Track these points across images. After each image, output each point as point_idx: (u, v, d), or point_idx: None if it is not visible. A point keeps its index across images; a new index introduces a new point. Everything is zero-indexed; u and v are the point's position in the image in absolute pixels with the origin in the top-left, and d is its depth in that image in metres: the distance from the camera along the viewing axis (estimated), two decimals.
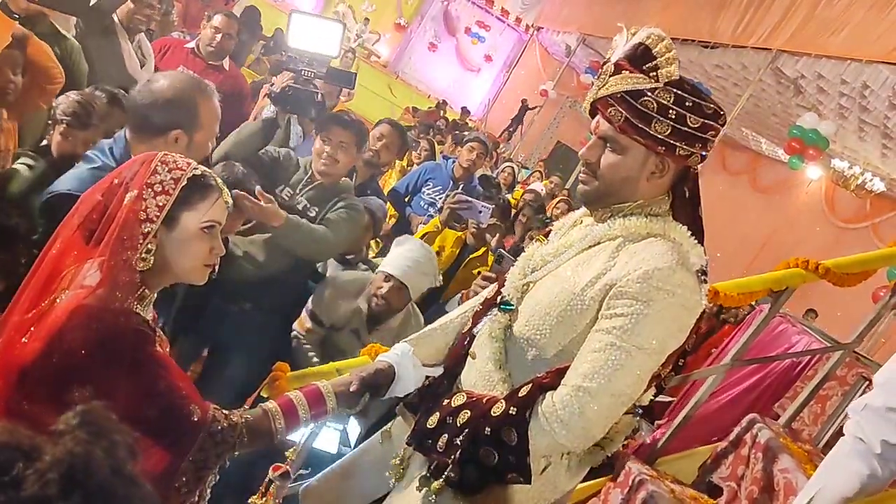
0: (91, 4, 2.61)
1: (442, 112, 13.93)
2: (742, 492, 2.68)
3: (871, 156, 9.27)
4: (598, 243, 1.67)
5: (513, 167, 7.75)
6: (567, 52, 14.10)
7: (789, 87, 8.22)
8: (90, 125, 2.56)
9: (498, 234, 4.24)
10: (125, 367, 1.51)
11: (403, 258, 3.03)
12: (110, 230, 1.54)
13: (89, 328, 1.47)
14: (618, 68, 1.60)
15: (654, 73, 1.57)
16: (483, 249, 4.07)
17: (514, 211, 5.41)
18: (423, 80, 17.76)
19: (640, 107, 1.57)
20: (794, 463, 2.56)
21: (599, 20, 11.96)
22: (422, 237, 3.92)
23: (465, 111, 15.90)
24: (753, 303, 3.40)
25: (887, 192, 10.13)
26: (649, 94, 1.57)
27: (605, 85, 1.62)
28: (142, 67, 3.57)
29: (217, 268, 1.72)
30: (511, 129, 15.56)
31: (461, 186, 4.76)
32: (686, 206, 1.71)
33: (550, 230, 1.90)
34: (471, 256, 4.05)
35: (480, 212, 3.95)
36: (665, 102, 1.56)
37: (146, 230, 1.56)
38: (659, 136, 1.58)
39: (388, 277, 2.99)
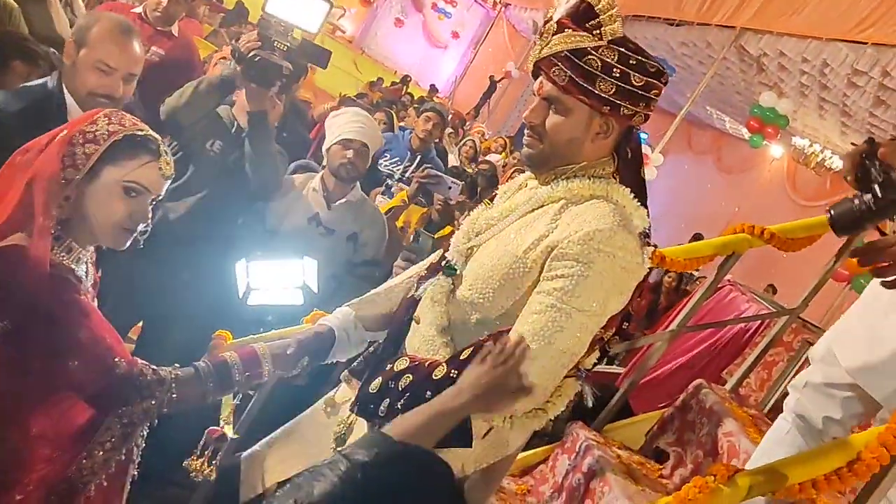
0: None
1: (405, 87, 13.83)
2: (687, 456, 2.70)
3: (831, 134, 9.38)
4: (542, 206, 1.66)
5: (474, 141, 7.72)
6: (534, 28, 14.04)
7: (752, 66, 8.28)
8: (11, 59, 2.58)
9: (466, 212, 4.18)
10: (43, 313, 1.47)
11: (351, 122, 3.04)
12: (36, 163, 1.52)
13: (3, 268, 1.45)
14: (560, 27, 1.57)
15: (598, 31, 1.55)
16: (449, 229, 4.00)
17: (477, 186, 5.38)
18: (389, 56, 17.63)
19: (584, 65, 1.54)
20: (738, 426, 2.59)
21: None
22: (387, 212, 3.87)
23: (433, 89, 15.82)
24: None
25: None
26: (593, 52, 1.54)
27: (547, 44, 1.58)
28: (72, 27, 3.48)
29: (143, 239, 1.67)
30: (479, 106, 15.50)
31: (419, 157, 4.72)
32: (629, 167, 1.70)
33: (496, 194, 1.88)
34: (437, 235, 4.01)
35: (450, 187, 3.90)
36: (609, 61, 1.54)
37: (68, 176, 1.52)
38: (603, 96, 1.56)
39: (346, 143, 3.00)
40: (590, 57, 1.54)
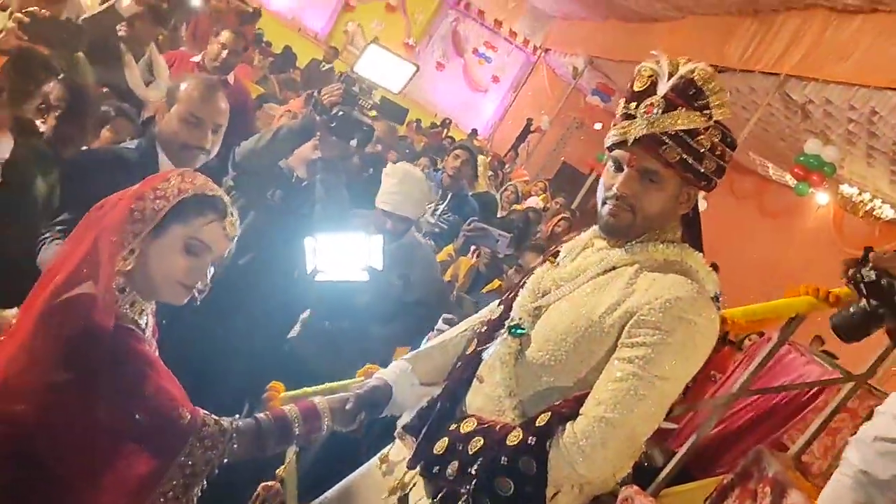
0: (80, 26, 2.67)
1: (446, 130, 13.94)
2: None
3: (880, 182, 9.22)
4: (614, 268, 1.65)
5: (516, 186, 7.75)
6: (574, 73, 14.12)
7: (797, 112, 8.19)
8: (83, 113, 2.73)
9: (515, 266, 4.13)
10: (109, 361, 1.48)
11: (393, 193, 3.07)
12: (106, 218, 1.57)
13: (71, 315, 1.46)
14: (670, 104, 1.56)
15: (708, 112, 1.55)
16: (497, 283, 3.95)
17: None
18: (430, 99, 17.78)
19: (695, 146, 1.55)
20: (803, 498, 2.49)
21: (606, 43, 11.99)
22: None
23: (473, 132, 15.92)
24: None
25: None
26: (703, 132, 1.55)
27: (658, 120, 1.56)
28: (148, 85, 3.61)
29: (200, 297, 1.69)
30: (515, 147, 15.56)
31: (449, 195, 4.73)
32: (692, 229, 1.71)
33: (558, 251, 1.86)
34: (485, 289, 3.94)
35: (497, 240, 3.87)
36: (715, 141, 1.57)
37: (136, 230, 1.55)
38: (706, 173, 1.58)
39: (387, 214, 3.05)
40: (701, 137, 1.55)
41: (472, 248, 4.08)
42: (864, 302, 1.63)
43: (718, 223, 12.58)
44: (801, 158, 8.15)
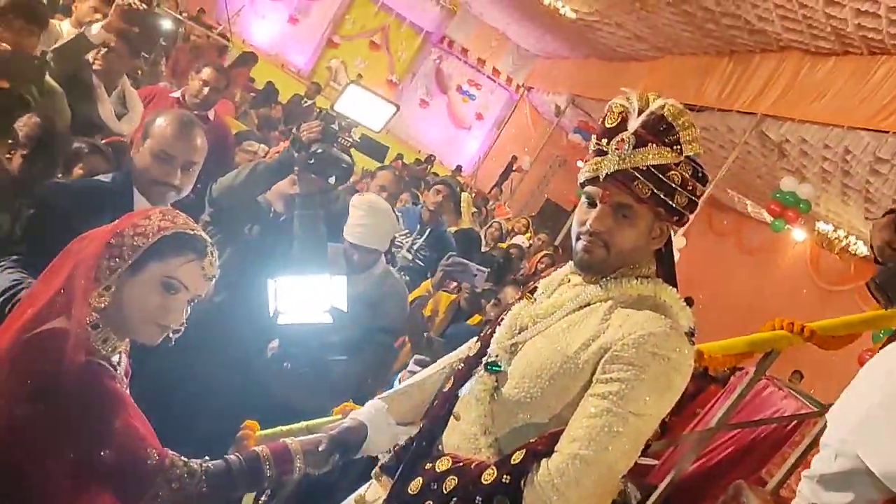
0: (45, 60, 2.67)
1: (430, 167, 14.03)
2: None
3: (855, 219, 9.35)
4: (589, 304, 1.65)
5: (500, 223, 7.79)
6: (556, 111, 14.31)
7: (773, 151, 8.33)
8: (50, 149, 2.69)
9: (493, 301, 4.13)
10: (77, 396, 1.45)
11: (359, 226, 3.08)
12: (83, 252, 1.55)
13: (42, 349, 1.44)
14: (641, 140, 1.57)
15: (678, 147, 1.57)
16: (479, 318, 3.95)
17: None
18: (414, 136, 17.93)
19: (666, 181, 1.57)
20: None
21: (588, 81, 12.19)
22: (412, 302, 3.84)
23: (458, 169, 16.03)
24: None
25: (870, 256, 10.18)
26: (675, 167, 1.57)
27: (629, 156, 1.57)
28: (120, 118, 3.59)
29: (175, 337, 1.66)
30: (499, 184, 15.67)
31: (428, 230, 4.73)
32: (666, 264, 1.72)
33: (536, 287, 1.86)
34: (466, 323, 3.94)
35: (475, 275, 3.86)
36: (686, 176, 1.58)
37: (113, 265, 1.53)
38: (677, 208, 1.59)
39: (354, 246, 3.06)
40: (672, 172, 1.57)
41: (453, 283, 4.07)
42: None
43: (698, 260, 12.76)
44: (777, 195, 8.28)
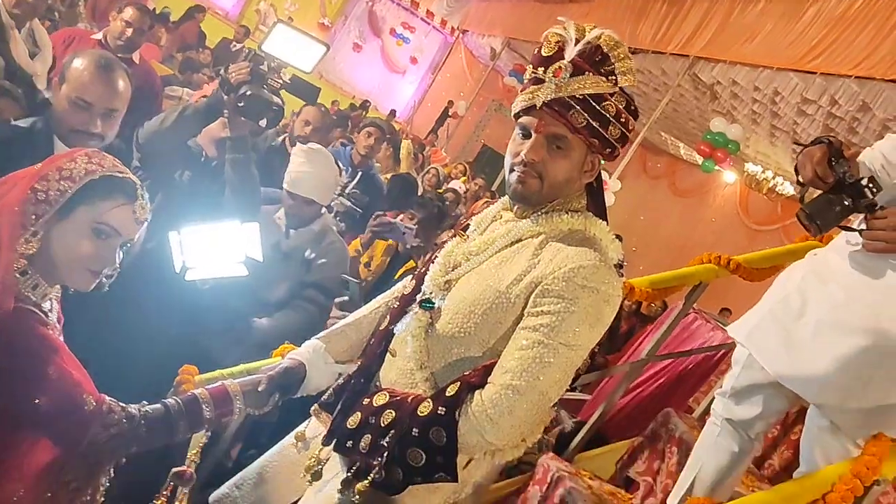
0: None
1: (365, 112, 13.83)
2: (658, 486, 2.71)
3: (782, 160, 9.64)
4: (521, 239, 1.67)
5: (437, 169, 7.76)
6: (492, 55, 14.21)
7: (706, 93, 8.47)
8: None
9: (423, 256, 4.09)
10: (7, 344, 1.43)
11: (300, 172, 3.02)
12: (8, 195, 1.51)
13: None
14: (577, 68, 1.57)
15: (613, 77, 1.58)
16: (412, 263, 3.88)
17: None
18: (347, 80, 17.59)
19: (601, 111, 1.57)
20: None
21: (523, 24, 12.10)
22: None
23: (392, 114, 15.84)
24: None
25: (797, 196, 10.53)
26: (609, 98, 1.57)
27: (565, 84, 1.57)
28: (33, 58, 3.43)
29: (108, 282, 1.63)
30: (435, 130, 15.58)
31: (360, 173, 4.69)
32: (596, 199, 1.74)
33: (468, 225, 1.87)
34: (403, 269, 3.91)
35: (404, 233, 3.85)
36: (620, 107, 1.59)
37: (40, 211, 1.49)
38: (610, 140, 1.60)
39: (291, 195, 3.00)
40: (607, 103, 1.58)
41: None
42: (836, 196, 1.80)
43: (633, 202, 13.00)
44: (708, 136, 8.46)
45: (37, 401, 1.45)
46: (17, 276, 1.49)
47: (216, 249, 2.13)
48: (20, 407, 1.45)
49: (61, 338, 1.63)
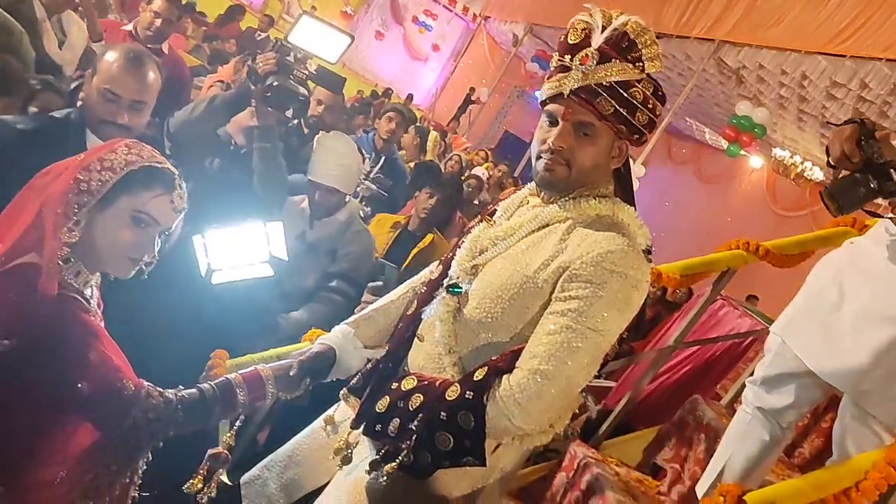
0: None
1: (387, 100, 13.83)
2: (685, 473, 2.71)
3: (810, 145, 9.51)
4: (548, 224, 1.67)
5: (460, 156, 7.74)
6: (514, 41, 14.12)
7: (731, 78, 8.37)
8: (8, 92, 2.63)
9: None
10: (52, 329, 1.46)
11: (327, 162, 3.02)
12: (51, 187, 1.54)
13: (15, 284, 1.45)
14: (604, 56, 1.57)
15: (640, 64, 1.58)
16: (430, 237, 3.85)
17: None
18: (370, 68, 17.60)
19: (629, 98, 1.57)
20: None
21: (546, 10, 12.00)
22: None
23: (409, 98, 15.82)
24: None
25: (825, 181, 10.40)
26: (637, 84, 1.58)
27: (592, 72, 1.57)
28: (61, 47, 3.48)
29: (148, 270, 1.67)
30: (457, 117, 15.54)
31: (382, 158, 4.74)
32: (624, 184, 1.74)
33: (495, 210, 1.88)
34: (417, 249, 3.82)
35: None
36: (647, 93, 1.59)
37: (82, 201, 1.53)
38: (638, 126, 1.60)
39: (314, 184, 3.01)
40: (634, 89, 1.58)
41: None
42: (862, 177, 1.78)
43: (657, 188, 12.90)
44: (733, 120, 8.36)
45: (79, 385, 1.48)
46: (61, 263, 1.53)
47: (241, 251, 2.12)
48: (64, 391, 1.49)
49: (102, 324, 1.67)
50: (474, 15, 17.56)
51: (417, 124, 7.28)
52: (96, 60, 2.28)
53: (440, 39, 18.59)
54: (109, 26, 4.19)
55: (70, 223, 1.52)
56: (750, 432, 2.30)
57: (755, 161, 11.80)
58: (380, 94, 14.77)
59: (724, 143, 9.44)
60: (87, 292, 1.61)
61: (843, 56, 6.01)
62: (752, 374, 2.43)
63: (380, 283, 2.74)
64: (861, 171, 1.82)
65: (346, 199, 3.14)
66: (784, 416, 2.27)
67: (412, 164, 5.74)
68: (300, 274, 2.96)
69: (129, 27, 4.07)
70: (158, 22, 3.98)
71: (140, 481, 1.71)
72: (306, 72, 2.61)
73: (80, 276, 1.58)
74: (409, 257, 3.63)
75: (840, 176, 1.89)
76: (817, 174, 10.06)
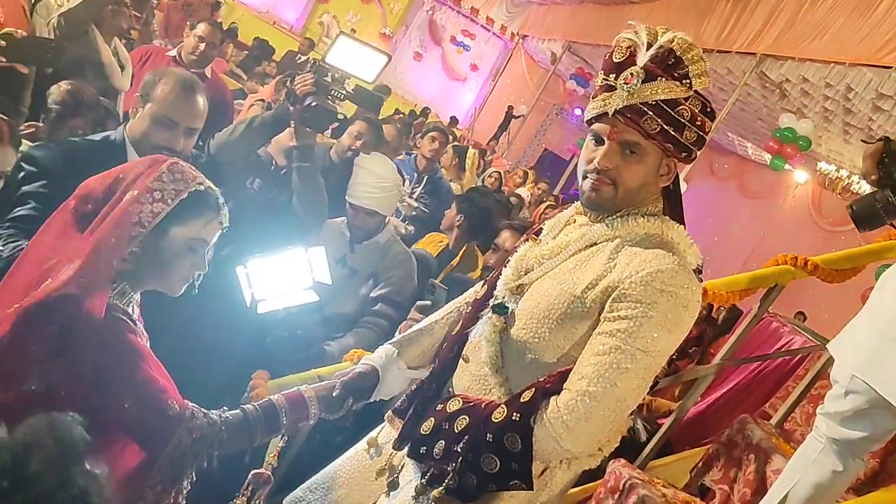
0: (58, 45, 2.70)
1: (425, 120, 13.91)
2: (735, 494, 2.64)
3: (857, 158, 9.30)
4: (596, 244, 1.64)
5: (499, 172, 7.75)
6: (552, 59, 14.13)
7: (774, 91, 8.25)
8: (79, 114, 2.72)
9: (491, 247, 3.92)
10: (99, 350, 1.48)
11: (366, 185, 3.02)
12: (104, 225, 1.54)
13: (61, 311, 1.45)
14: (650, 74, 1.55)
15: (688, 81, 1.55)
16: (460, 254, 3.77)
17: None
18: (409, 89, 17.74)
19: (676, 116, 1.55)
20: (786, 463, 2.53)
21: (583, 27, 12.00)
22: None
23: (453, 120, 15.90)
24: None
25: None
26: (684, 102, 1.55)
27: (638, 91, 1.55)
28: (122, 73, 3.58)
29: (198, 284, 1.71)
30: (497, 136, 15.57)
31: (426, 178, 4.76)
32: (672, 202, 1.71)
33: (541, 229, 1.86)
34: (449, 267, 3.81)
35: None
36: (695, 111, 1.56)
37: (135, 233, 1.55)
38: (686, 144, 1.57)
39: (354, 207, 3.02)
40: (681, 107, 1.55)
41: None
42: (889, 192, 1.76)
43: (700, 204, 12.73)
44: (776, 133, 8.23)
45: (126, 405, 1.50)
46: (108, 286, 1.55)
47: (284, 279, 2.11)
48: (111, 412, 1.50)
49: (147, 344, 1.69)
50: (512, 34, 17.62)
51: (455, 143, 7.30)
52: (147, 87, 2.33)
53: (478, 59, 18.69)
54: (154, 52, 4.29)
55: (124, 254, 1.56)
56: (821, 461, 2.20)
57: (800, 175, 11.58)
58: (417, 113, 14.88)
59: (768, 158, 9.29)
60: (131, 310, 1.63)
61: (890, 67, 5.89)
62: (809, 399, 2.34)
63: (428, 302, 2.72)
64: (881, 187, 1.81)
65: (386, 221, 3.15)
66: (861, 447, 2.17)
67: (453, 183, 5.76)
68: (342, 298, 2.96)
69: (174, 53, 4.17)
70: (203, 46, 4.08)
71: (185, 501, 1.72)
72: (344, 91, 2.63)
73: (124, 296, 1.61)
74: (442, 274, 3.63)
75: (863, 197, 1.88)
76: (865, 188, 9.83)
